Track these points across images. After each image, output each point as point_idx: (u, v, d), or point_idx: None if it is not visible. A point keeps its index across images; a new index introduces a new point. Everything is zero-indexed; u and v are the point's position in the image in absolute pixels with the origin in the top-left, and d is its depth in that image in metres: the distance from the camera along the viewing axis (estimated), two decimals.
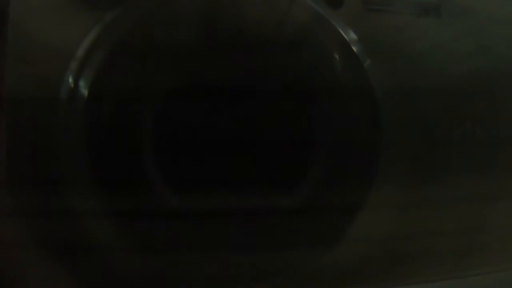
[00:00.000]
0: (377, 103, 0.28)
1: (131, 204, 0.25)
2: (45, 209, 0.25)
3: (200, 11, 0.27)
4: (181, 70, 0.26)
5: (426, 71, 0.29)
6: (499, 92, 0.31)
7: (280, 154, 0.27)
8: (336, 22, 0.28)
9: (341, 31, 0.28)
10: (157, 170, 0.26)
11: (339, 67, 0.28)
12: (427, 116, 0.29)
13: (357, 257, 0.28)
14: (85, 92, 0.25)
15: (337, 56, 0.28)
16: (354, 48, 0.28)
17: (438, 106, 0.29)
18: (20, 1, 0.25)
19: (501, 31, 0.31)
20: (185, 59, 0.26)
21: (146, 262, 0.26)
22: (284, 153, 0.27)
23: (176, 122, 0.26)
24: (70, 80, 0.25)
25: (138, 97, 0.26)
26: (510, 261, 0.30)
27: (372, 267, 0.29)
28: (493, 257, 0.30)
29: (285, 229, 0.27)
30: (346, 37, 0.28)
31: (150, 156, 0.26)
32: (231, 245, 0.27)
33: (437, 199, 0.29)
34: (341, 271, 0.28)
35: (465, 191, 0.30)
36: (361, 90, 0.28)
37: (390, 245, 0.29)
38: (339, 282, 0.29)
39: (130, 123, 0.26)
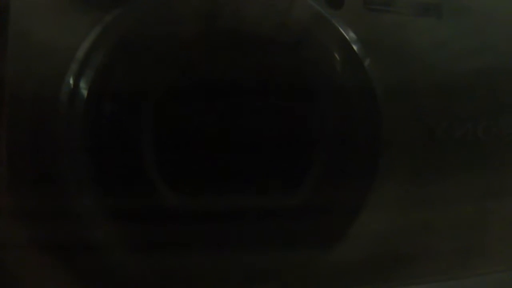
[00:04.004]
0: (377, 103, 0.28)
1: (131, 204, 0.25)
2: (46, 209, 0.25)
3: (200, 11, 0.27)
4: (181, 70, 0.26)
5: (426, 71, 0.29)
6: (501, 91, 0.31)
7: (280, 153, 0.27)
8: (337, 22, 0.28)
9: (341, 30, 0.28)
10: (157, 170, 0.26)
11: (340, 66, 0.28)
12: (428, 115, 0.29)
13: (358, 257, 0.28)
14: (85, 92, 0.25)
15: (337, 56, 0.28)
16: (355, 48, 0.28)
17: (439, 106, 0.29)
18: (20, 1, 0.25)
19: (502, 29, 0.31)
20: (185, 59, 0.26)
21: (146, 262, 0.26)
22: (285, 152, 0.27)
23: (176, 122, 0.26)
24: (70, 80, 0.26)
25: (138, 97, 0.26)
26: (510, 261, 0.30)
27: (372, 267, 0.29)
28: (493, 257, 0.30)
29: (285, 229, 0.27)
30: (346, 37, 0.28)
31: (150, 155, 0.26)
32: (231, 245, 0.27)
33: (438, 199, 0.29)
34: (342, 271, 0.28)
35: (466, 191, 0.30)
36: (362, 90, 0.28)
37: (390, 245, 0.29)
38: (339, 282, 0.29)
39: (130, 123, 0.26)
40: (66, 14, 0.26)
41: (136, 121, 0.26)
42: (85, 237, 0.25)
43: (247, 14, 0.27)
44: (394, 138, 0.28)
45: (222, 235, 0.26)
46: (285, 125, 0.27)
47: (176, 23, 0.26)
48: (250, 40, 0.27)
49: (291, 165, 0.27)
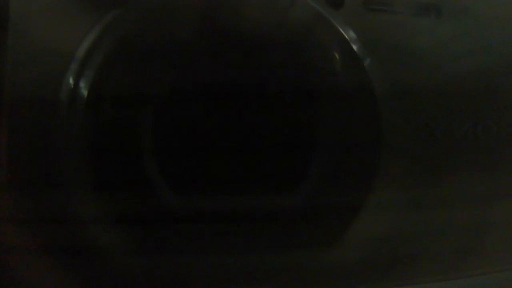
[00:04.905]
0: (377, 102, 0.28)
1: (131, 205, 0.25)
2: (46, 211, 0.25)
3: (200, 11, 0.27)
4: (181, 71, 0.26)
5: (426, 70, 0.29)
6: (500, 91, 0.30)
7: (280, 154, 0.27)
8: (337, 22, 0.28)
9: (341, 30, 0.28)
10: (157, 171, 0.26)
11: (340, 66, 0.28)
12: (428, 116, 0.29)
13: (358, 257, 0.28)
14: (85, 93, 0.25)
15: (337, 55, 0.28)
16: (354, 47, 0.28)
17: (439, 106, 0.29)
18: (20, 2, 0.25)
19: (501, 29, 0.31)
20: (185, 60, 0.26)
21: (146, 264, 0.26)
22: (285, 153, 0.27)
23: (176, 123, 0.26)
24: (70, 81, 0.25)
25: (138, 98, 0.26)
26: (510, 261, 0.30)
27: (372, 267, 0.29)
28: (493, 257, 0.30)
29: (285, 229, 0.27)
30: (346, 36, 0.28)
31: (150, 157, 0.26)
32: (232, 246, 0.27)
33: (437, 199, 0.29)
34: (341, 271, 0.28)
35: (466, 191, 0.30)
36: (361, 89, 0.28)
37: (390, 245, 0.29)
38: (339, 282, 0.29)
39: (130, 124, 0.26)
40: (66, 14, 0.26)
41: (136, 121, 0.26)
42: (85, 239, 0.25)
43: (246, 14, 0.27)
44: (394, 138, 0.28)
45: (223, 236, 0.26)
46: (285, 125, 0.27)
47: (176, 24, 0.26)
48: (250, 40, 0.27)
49: (291, 166, 0.27)
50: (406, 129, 0.29)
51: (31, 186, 0.25)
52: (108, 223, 0.25)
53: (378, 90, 0.28)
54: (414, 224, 0.29)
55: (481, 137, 0.30)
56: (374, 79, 0.28)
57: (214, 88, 0.26)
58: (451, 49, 0.30)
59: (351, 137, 0.28)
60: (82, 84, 0.26)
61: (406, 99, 0.29)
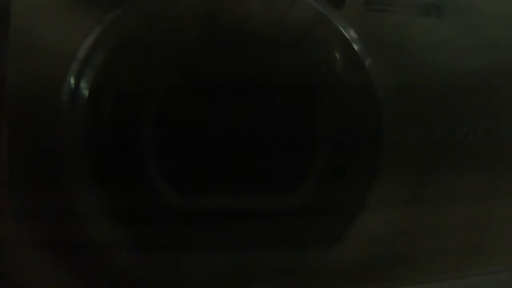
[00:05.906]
0: (378, 102, 0.28)
1: (131, 204, 0.25)
2: (46, 208, 0.25)
3: (201, 11, 0.27)
4: (182, 70, 0.26)
5: (427, 70, 0.29)
6: (502, 91, 0.30)
7: (281, 153, 0.27)
8: (338, 21, 0.28)
9: (342, 30, 0.28)
10: (157, 170, 0.26)
11: (341, 66, 0.28)
12: (429, 115, 0.29)
13: (358, 257, 0.28)
14: (86, 92, 0.26)
15: (338, 55, 0.28)
16: (356, 47, 0.28)
17: (440, 105, 0.29)
18: (21, 1, 0.25)
19: (503, 29, 0.31)
20: (186, 59, 0.26)
21: (146, 262, 0.26)
22: (285, 152, 0.27)
23: (177, 122, 0.26)
24: (71, 80, 0.26)
25: (139, 97, 0.26)
26: (510, 261, 0.30)
27: (373, 267, 0.29)
28: (493, 257, 0.30)
29: (286, 229, 0.27)
30: (347, 36, 0.28)
31: (150, 155, 0.26)
32: (232, 245, 0.27)
33: (438, 199, 0.29)
34: (342, 271, 0.28)
35: (466, 191, 0.30)
36: (362, 89, 0.28)
37: (390, 244, 0.29)
38: (340, 282, 0.29)
39: (131, 123, 0.26)
40: (67, 14, 0.26)
41: (137, 120, 0.26)
42: (85, 237, 0.25)
43: (248, 13, 0.27)
44: (395, 138, 0.28)
45: (223, 235, 0.26)
46: (286, 124, 0.27)
47: (177, 23, 0.27)
48: (251, 39, 0.27)
49: (292, 165, 0.27)
50: (407, 129, 0.29)
51: (32, 184, 0.25)
52: (108, 221, 0.25)
53: (379, 89, 0.28)
54: (415, 224, 0.29)
55: (482, 137, 0.30)
56: (375, 79, 0.28)
57: (214, 88, 0.26)
58: (452, 49, 0.30)
59: (352, 136, 0.28)
60: (83, 84, 0.26)
61: (407, 99, 0.29)
